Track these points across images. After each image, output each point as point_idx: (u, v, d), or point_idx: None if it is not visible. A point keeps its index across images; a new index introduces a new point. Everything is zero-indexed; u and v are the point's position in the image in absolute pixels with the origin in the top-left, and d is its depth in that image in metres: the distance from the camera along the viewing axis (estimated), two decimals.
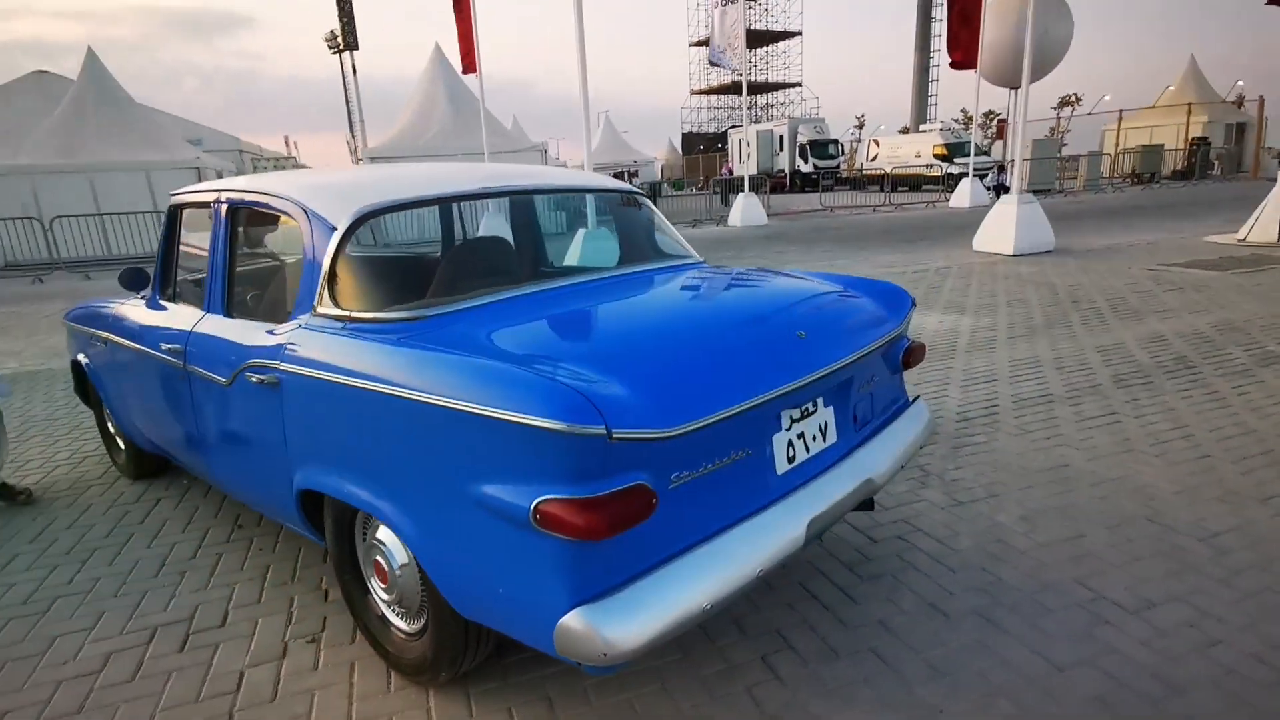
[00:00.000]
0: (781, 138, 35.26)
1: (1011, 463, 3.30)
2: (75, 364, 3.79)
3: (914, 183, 28.58)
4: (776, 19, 60.14)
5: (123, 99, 19.76)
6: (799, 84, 60.76)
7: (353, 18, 47.63)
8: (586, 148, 8.86)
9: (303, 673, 2.15)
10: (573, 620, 1.42)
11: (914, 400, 2.56)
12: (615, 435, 1.41)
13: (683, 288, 2.41)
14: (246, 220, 2.59)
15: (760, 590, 2.42)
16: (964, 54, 18.21)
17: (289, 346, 2.09)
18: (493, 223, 4.53)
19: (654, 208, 3.07)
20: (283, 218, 2.32)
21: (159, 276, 3.06)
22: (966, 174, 20.90)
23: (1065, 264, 9.12)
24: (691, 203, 22.83)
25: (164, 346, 2.71)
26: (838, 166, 33.47)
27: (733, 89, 59.22)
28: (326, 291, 2.08)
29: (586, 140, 8.86)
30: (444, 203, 2.43)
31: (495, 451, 1.50)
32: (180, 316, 2.74)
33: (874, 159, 32.38)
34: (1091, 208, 18.36)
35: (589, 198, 2.92)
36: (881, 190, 24.40)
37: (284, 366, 2.06)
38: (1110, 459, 3.28)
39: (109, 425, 3.82)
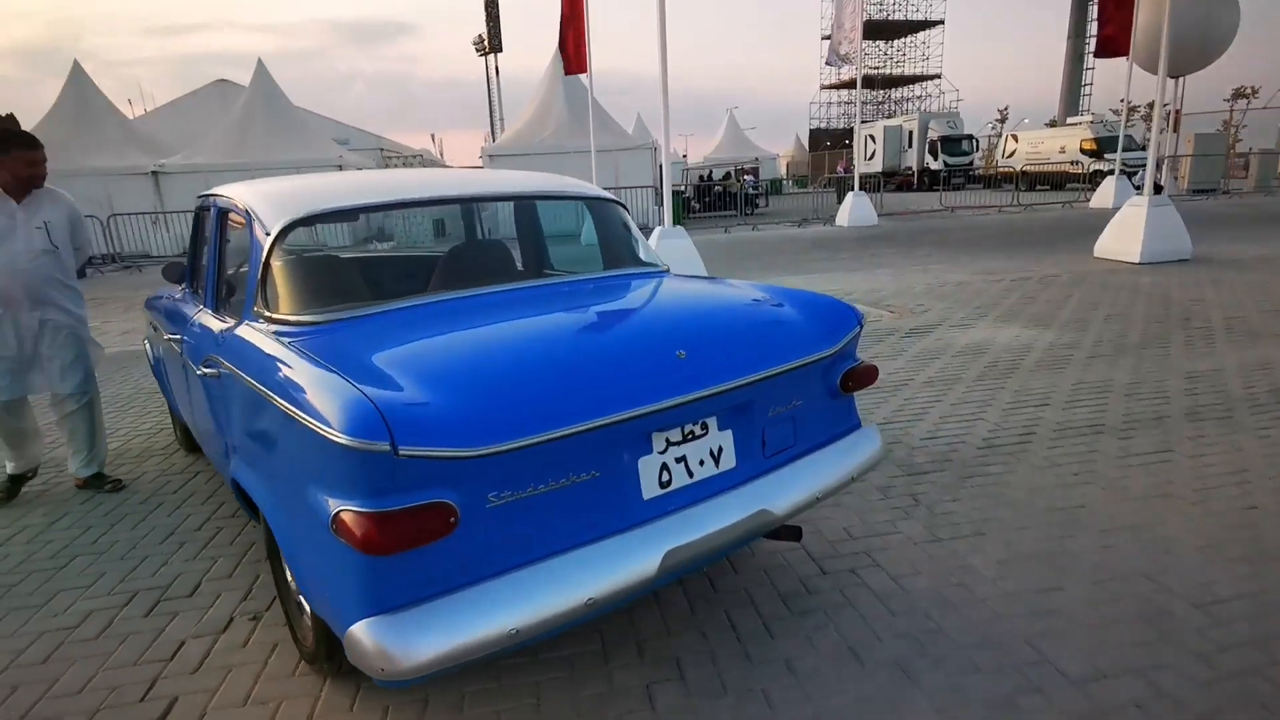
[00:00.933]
0: (910, 133, 33.48)
1: (1018, 499, 2.98)
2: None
3: (1056, 181, 26.27)
4: (917, 7, 57.13)
5: (284, 103, 21.76)
6: (938, 76, 57.44)
7: (499, 22, 50.21)
8: (665, 144, 8.86)
9: (233, 648, 2.31)
10: (358, 631, 1.44)
11: (859, 428, 2.37)
12: (402, 452, 1.41)
13: (594, 301, 2.36)
14: (228, 222, 2.80)
15: (679, 613, 2.33)
16: (1115, 34, 16.48)
17: (227, 343, 2.24)
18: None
19: (626, 214, 3.02)
20: (242, 221, 2.49)
21: (187, 271, 3.37)
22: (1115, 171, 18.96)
23: (1195, 275, 8.08)
24: (804, 201, 22.20)
25: (172, 334, 2.99)
26: (971, 163, 31.32)
27: (865, 83, 56.90)
28: (260, 293, 2.21)
29: (665, 135, 8.84)
30: (377, 210, 2.51)
31: (315, 457, 1.55)
32: (189, 308, 3.00)
33: (1011, 155, 30.04)
34: (1257, 211, 16.15)
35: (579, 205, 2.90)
36: (1017, 189, 22.58)
37: (223, 362, 2.21)
38: (1137, 504, 2.89)
39: None
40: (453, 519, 1.48)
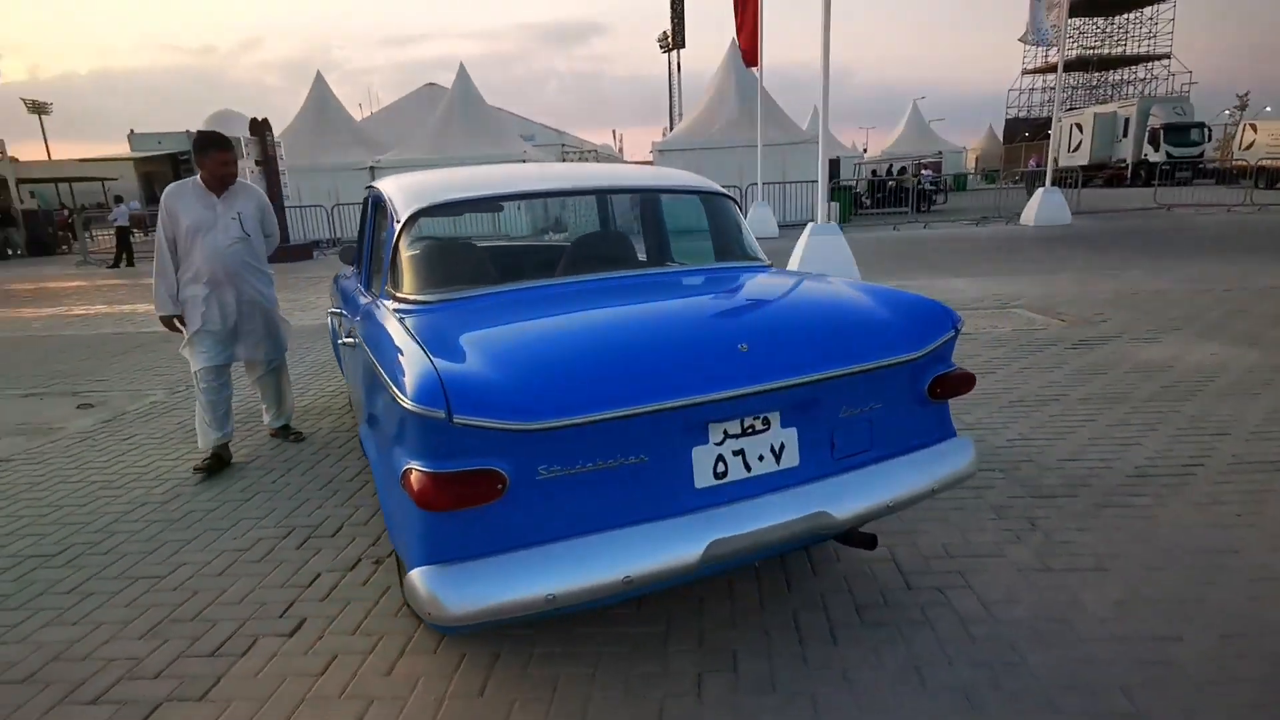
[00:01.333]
0: (1128, 121, 29.71)
1: (1160, 537, 2.66)
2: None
3: None
4: None
5: (479, 103, 23.62)
6: (1166, 56, 50.28)
7: (683, 18, 51.19)
8: (822, 135, 8.61)
9: (355, 585, 2.65)
10: (414, 576, 1.63)
11: (951, 438, 2.25)
12: (456, 420, 1.58)
13: (681, 292, 2.43)
14: (379, 211, 3.17)
15: (748, 607, 2.35)
16: None
17: (361, 316, 2.57)
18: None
19: (732, 208, 3.03)
20: (386, 210, 2.82)
21: (355, 254, 3.85)
22: None
23: None
24: (988, 197, 20.50)
25: (336, 309, 3.46)
26: (1200, 155, 27.23)
27: (1074, 65, 51.17)
28: (391, 274, 2.51)
29: (823, 126, 8.59)
30: (494, 199, 2.73)
31: (395, 419, 1.76)
32: (351, 286, 3.44)
33: (1248, 147, 25.71)
34: None
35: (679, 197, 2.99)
36: (1253, 186, 19.36)
37: (356, 332, 2.54)
38: None
39: None
40: (500, 486, 1.63)
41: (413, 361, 1.74)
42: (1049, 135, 37.02)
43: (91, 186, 35.86)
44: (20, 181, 34.31)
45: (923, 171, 24.65)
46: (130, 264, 17.32)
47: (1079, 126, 31.26)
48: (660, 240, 3.45)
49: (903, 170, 26.25)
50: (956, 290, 8.28)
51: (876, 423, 2.10)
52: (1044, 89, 53.46)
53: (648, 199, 3.34)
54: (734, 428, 1.89)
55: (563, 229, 16.29)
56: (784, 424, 1.95)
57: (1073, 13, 52.00)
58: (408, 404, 1.61)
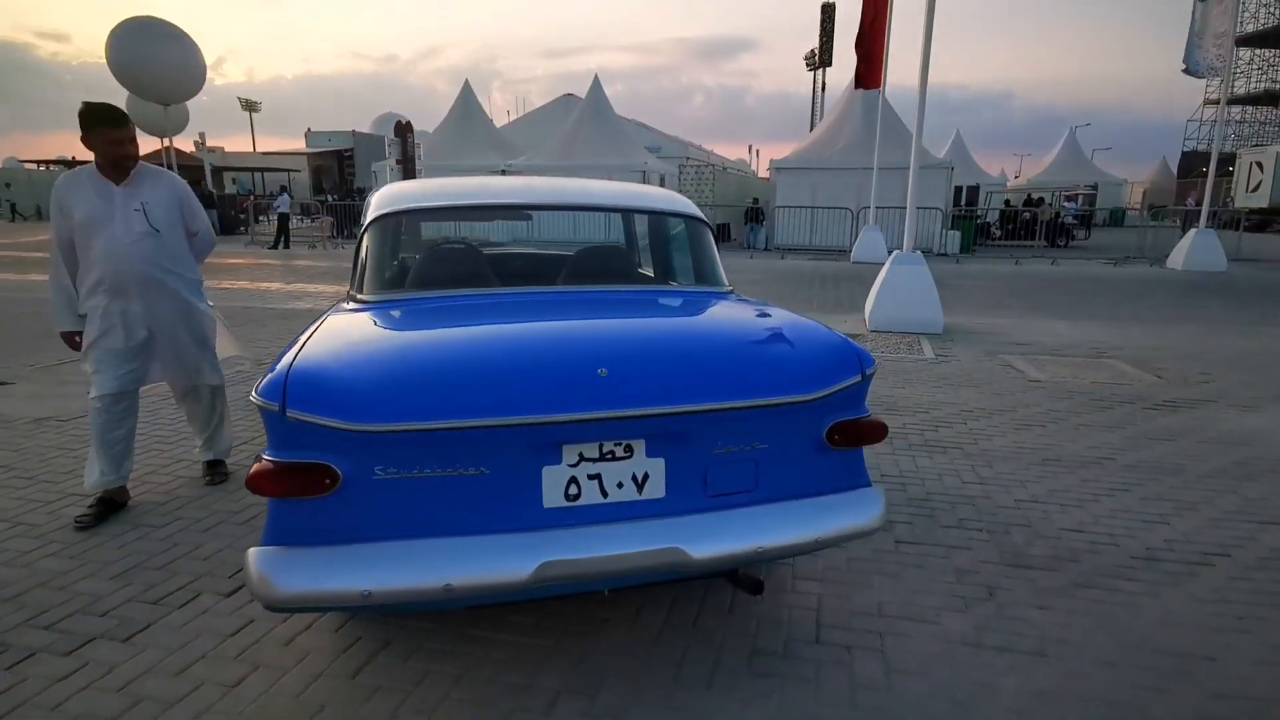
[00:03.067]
0: None
1: (1134, 628, 2.36)
2: None
3: None
4: None
5: (609, 114, 24.34)
6: None
7: (832, 36, 50.50)
8: (914, 159, 8.20)
9: None
10: (250, 555, 1.73)
11: (860, 488, 2.11)
12: (289, 415, 1.68)
13: (593, 312, 2.44)
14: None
15: (645, 637, 2.30)
16: None
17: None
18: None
19: (702, 232, 2.98)
20: None
21: None
22: None
23: None
24: (1138, 236, 18.63)
25: None
26: None
27: (1263, 99, 45.58)
28: (352, 275, 2.67)
29: (915, 149, 8.18)
30: (455, 210, 2.83)
31: None
32: None
33: None
34: None
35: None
36: None
37: None
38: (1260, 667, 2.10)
39: None
40: (329, 481, 1.70)
41: (284, 357, 1.86)
42: (1230, 171, 33.14)
43: (280, 176, 40.07)
44: (222, 170, 38.98)
45: (1065, 204, 22.78)
46: (286, 246, 19.16)
47: (1259, 165, 27.77)
48: (624, 258, 3.39)
49: (1039, 200, 24.36)
50: (1052, 334, 7.63)
51: (764, 463, 2.01)
52: (1232, 122, 47.95)
53: (626, 218, 3.34)
54: (591, 451, 1.87)
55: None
56: (650, 453, 1.91)
57: (1259, 43, 46.38)
58: (253, 395, 1.73)
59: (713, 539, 1.88)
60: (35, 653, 2.24)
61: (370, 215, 2.69)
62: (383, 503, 1.77)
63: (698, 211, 3.04)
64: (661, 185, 24.80)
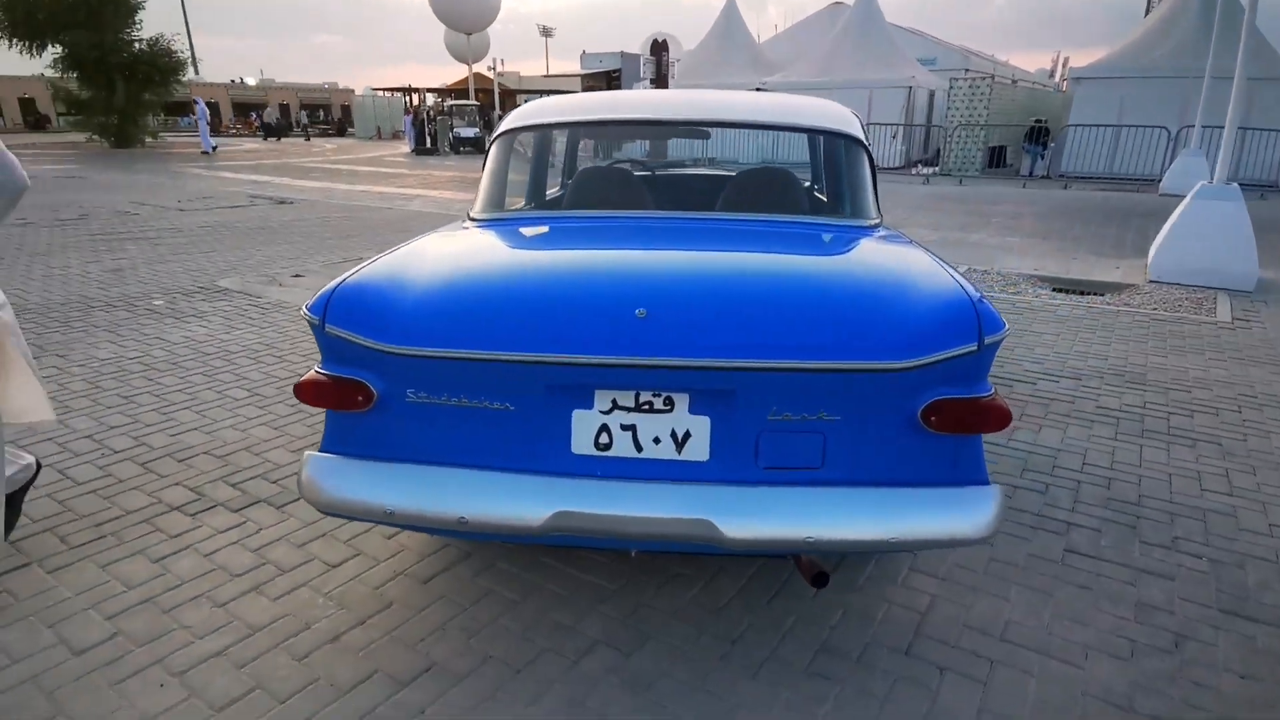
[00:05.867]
0: None
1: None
2: None
3: None
4: None
5: (878, 23, 22.23)
6: None
7: None
8: (1244, 39, 6.26)
9: None
10: (305, 458, 1.83)
11: (971, 484, 1.65)
12: (328, 330, 1.70)
13: (702, 243, 2.17)
14: None
15: (709, 609, 2.11)
16: None
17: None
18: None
19: (858, 155, 2.49)
20: None
21: None
22: None
23: None
24: None
25: None
26: None
27: None
28: (476, 195, 2.68)
29: (1247, 28, 6.22)
30: (576, 126, 2.64)
31: None
32: None
33: None
34: None
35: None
36: None
37: None
38: None
39: None
40: (361, 398, 1.72)
41: (347, 272, 1.89)
42: None
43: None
44: (515, 92, 42.93)
45: None
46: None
47: None
48: (781, 184, 2.94)
49: None
50: None
51: (835, 438, 1.66)
52: None
53: (780, 136, 2.91)
54: (626, 399, 1.68)
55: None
56: (693, 410, 1.67)
57: None
58: (303, 309, 1.78)
59: (753, 517, 1.61)
60: (216, 505, 2.67)
61: (493, 136, 2.66)
62: (413, 426, 1.76)
63: (853, 130, 2.54)
64: (930, 102, 22.23)
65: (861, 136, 2.54)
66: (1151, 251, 6.65)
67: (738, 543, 1.60)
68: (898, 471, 1.68)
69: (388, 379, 1.74)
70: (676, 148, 11.35)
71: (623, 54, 42.70)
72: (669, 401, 1.67)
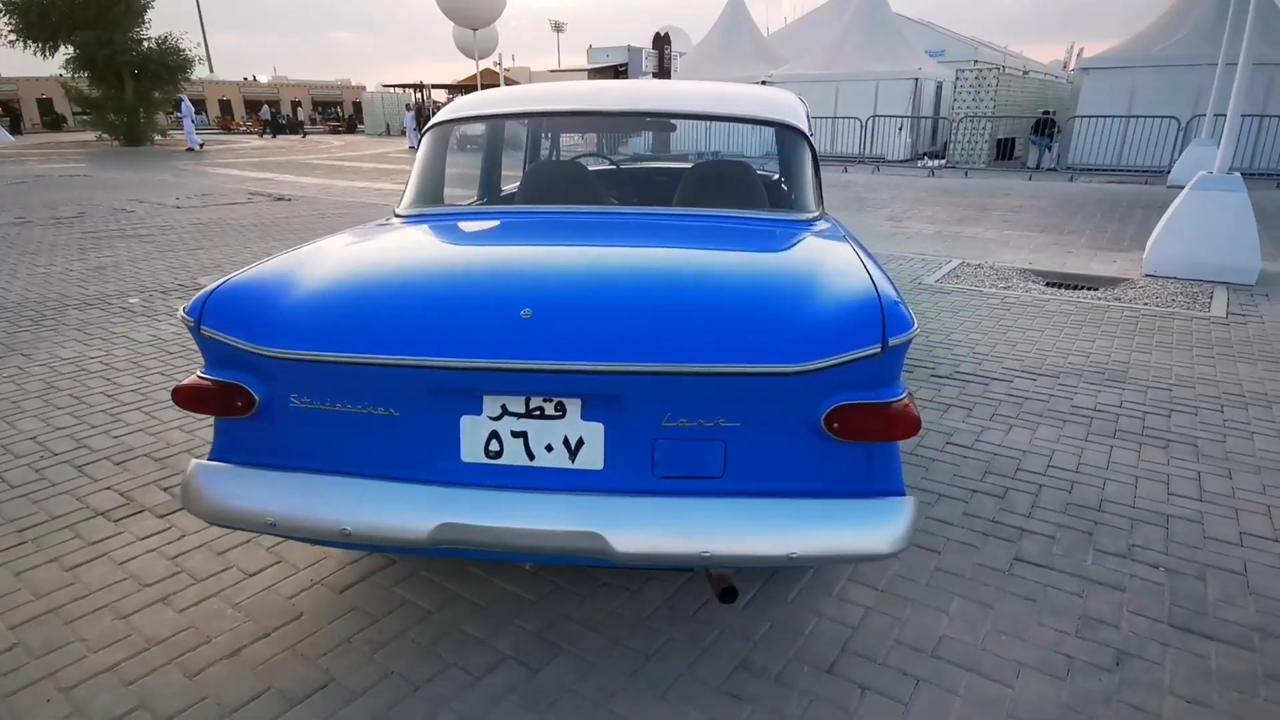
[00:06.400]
0: None
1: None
2: None
3: None
4: None
5: (884, 14, 21.94)
6: None
7: None
8: (1247, 42, 6.06)
9: None
10: (189, 465, 1.75)
11: (873, 495, 1.55)
12: (203, 331, 1.62)
13: (606, 237, 2.10)
14: None
15: (633, 619, 2.02)
16: None
17: None
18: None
19: (799, 147, 2.38)
20: None
21: None
22: None
23: None
24: None
25: None
26: None
27: None
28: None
29: (1249, 29, 6.03)
30: (509, 118, 2.55)
31: None
32: None
33: None
34: None
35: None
36: None
37: None
38: None
39: None
40: (241, 403, 1.64)
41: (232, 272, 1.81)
42: None
43: None
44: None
45: None
46: None
47: None
48: (734, 177, 2.81)
49: None
50: None
51: (737, 447, 1.56)
52: None
53: (743, 128, 2.79)
54: (515, 405, 1.58)
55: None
56: (586, 416, 1.57)
57: None
58: (179, 310, 1.70)
59: (646, 529, 1.52)
60: (143, 510, 2.60)
61: (425, 129, 2.57)
62: (298, 433, 1.68)
63: (792, 119, 2.42)
64: (938, 94, 21.89)
65: (801, 126, 2.42)
66: (1148, 245, 6.46)
67: (628, 557, 1.51)
68: (804, 482, 1.58)
69: (269, 384, 1.65)
70: (653, 141, 11.20)
71: (629, 48, 42.51)
72: (560, 407, 1.58)
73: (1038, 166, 17.03)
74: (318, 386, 1.63)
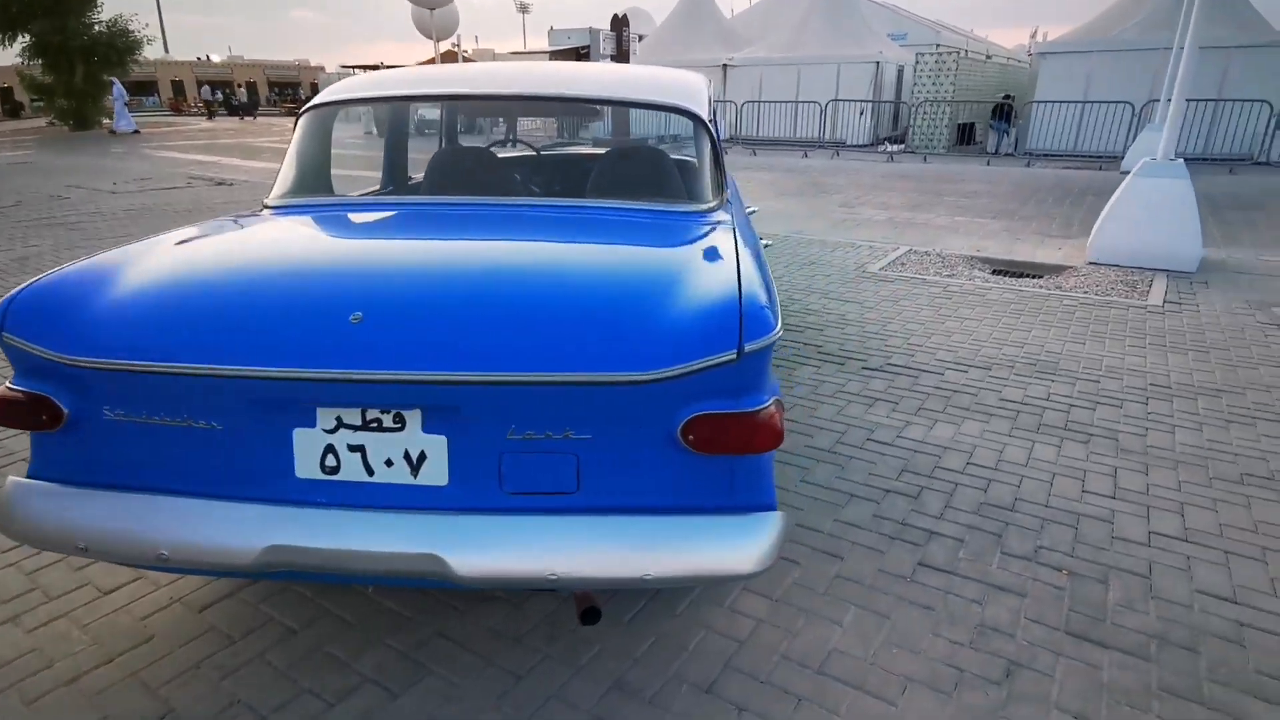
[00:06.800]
0: None
1: None
2: None
3: None
4: None
5: None
6: None
7: None
8: (1187, 24, 6.06)
9: None
10: (5, 482, 1.58)
11: (739, 511, 1.44)
12: (5, 338, 1.47)
13: (474, 233, 1.97)
14: None
15: (487, 636, 1.90)
16: None
17: None
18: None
19: (698, 133, 2.25)
20: None
21: None
22: None
23: None
24: None
25: None
26: None
27: None
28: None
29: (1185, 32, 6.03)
30: (392, 101, 2.40)
31: None
32: None
33: None
34: None
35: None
36: None
37: None
38: None
39: None
40: (47, 416, 1.48)
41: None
42: None
43: None
44: None
45: None
46: None
47: None
48: (625, 164, 2.67)
49: None
50: None
51: (590, 461, 1.44)
52: None
53: (617, 114, 2.66)
54: (352, 417, 1.44)
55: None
56: (427, 428, 1.44)
57: None
58: None
59: (490, 551, 1.40)
60: None
61: (307, 108, 2.40)
62: (114, 448, 1.52)
63: (690, 104, 2.28)
64: (899, 78, 21.90)
65: (697, 110, 2.28)
66: (1092, 232, 6.47)
67: (471, 580, 1.38)
68: (664, 497, 1.46)
69: (78, 395, 1.49)
70: (608, 126, 10.94)
71: (590, 29, 41.98)
72: (399, 419, 1.44)
73: (995, 152, 17.13)
74: (131, 398, 1.47)
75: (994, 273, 6.09)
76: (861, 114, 19.78)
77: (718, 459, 1.44)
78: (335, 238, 2.00)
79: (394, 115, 3.02)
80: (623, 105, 2.35)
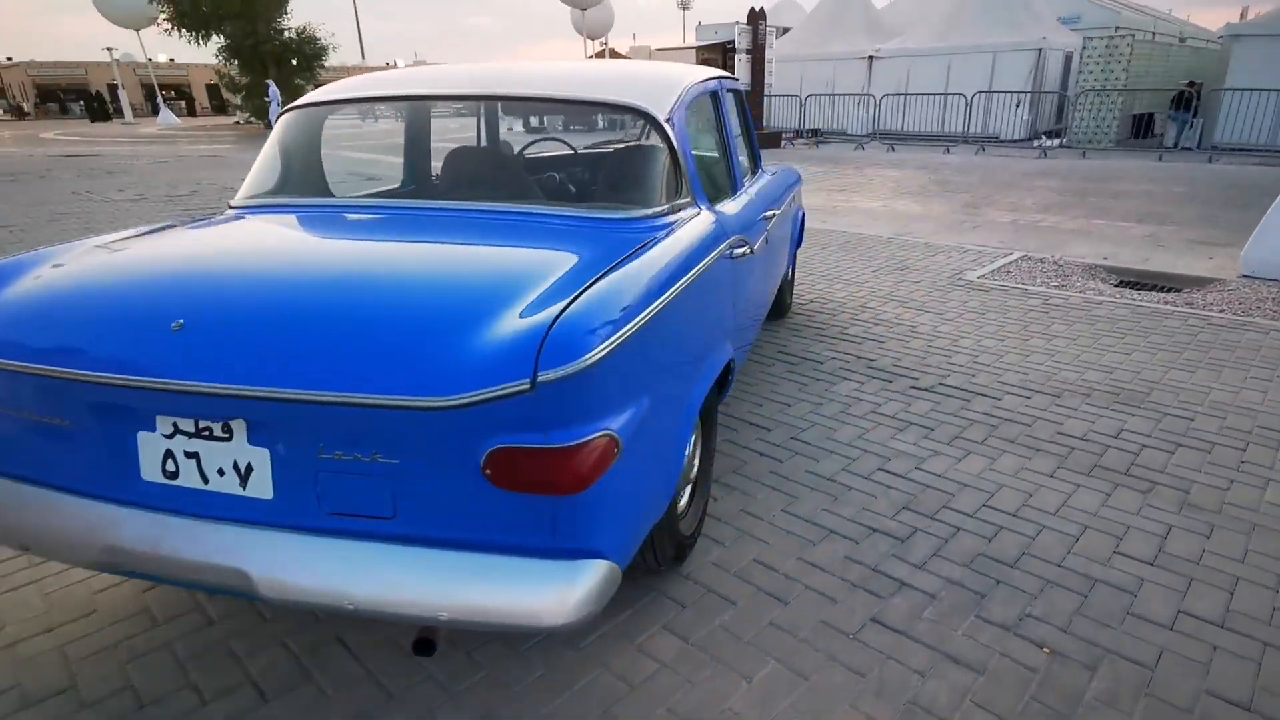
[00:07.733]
0: None
1: None
2: None
3: None
4: None
5: None
6: None
7: None
8: None
9: None
10: None
11: (555, 557, 1.29)
12: None
13: (387, 234, 1.92)
14: None
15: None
16: None
17: None
18: None
19: (653, 135, 2.08)
20: None
21: None
22: None
23: None
24: None
25: None
26: None
27: None
28: None
29: None
30: (361, 103, 2.40)
31: None
32: None
33: None
34: None
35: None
36: None
37: None
38: None
39: None
40: None
41: None
42: None
43: None
44: None
45: None
46: None
47: None
48: (587, 166, 2.52)
49: None
50: None
51: (402, 486, 1.35)
52: None
53: (576, 113, 2.50)
54: (186, 424, 1.45)
55: None
56: (252, 440, 1.41)
57: None
58: None
59: (292, 570, 1.35)
60: None
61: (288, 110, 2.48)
62: None
63: (642, 103, 2.09)
64: (1066, 66, 19.79)
65: (651, 109, 2.09)
66: (1248, 241, 5.49)
67: (274, 600, 1.35)
68: (481, 533, 1.35)
69: None
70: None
71: (737, 24, 41.46)
72: (227, 429, 1.43)
73: (1174, 145, 15.10)
74: (4, 393, 1.56)
75: (1120, 284, 5.33)
76: (1017, 105, 18.13)
77: (534, 497, 1.31)
78: (225, 244, 2.00)
79: (412, 119, 3.08)
80: (575, 104, 2.22)
